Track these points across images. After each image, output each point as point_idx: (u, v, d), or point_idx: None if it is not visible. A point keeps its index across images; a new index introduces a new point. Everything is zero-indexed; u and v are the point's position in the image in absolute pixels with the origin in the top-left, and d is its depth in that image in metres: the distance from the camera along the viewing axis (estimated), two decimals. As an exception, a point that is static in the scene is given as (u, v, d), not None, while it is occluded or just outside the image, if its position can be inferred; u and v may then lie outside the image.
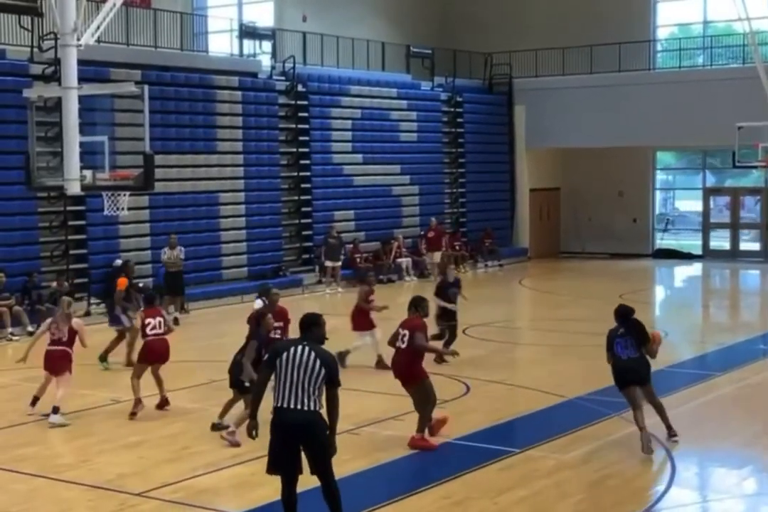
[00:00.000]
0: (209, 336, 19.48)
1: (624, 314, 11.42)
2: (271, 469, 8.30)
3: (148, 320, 13.05)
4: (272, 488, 9.83)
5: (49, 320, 13.14)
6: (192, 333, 19.71)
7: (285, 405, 8.07)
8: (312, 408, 8.06)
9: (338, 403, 8.20)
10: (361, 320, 15.49)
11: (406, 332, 11.36)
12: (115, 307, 16.30)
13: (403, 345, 11.33)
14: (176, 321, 19.96)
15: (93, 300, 21.02)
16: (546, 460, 10.82)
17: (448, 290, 16.41)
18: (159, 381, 13.10)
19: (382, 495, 10.04)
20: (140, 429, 12.25)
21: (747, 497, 10.16)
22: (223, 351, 16.72)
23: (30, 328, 19.01)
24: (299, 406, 8.04)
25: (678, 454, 11.06)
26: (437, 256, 27.72)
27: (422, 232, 28.87)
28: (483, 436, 11.76)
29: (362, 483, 9.99)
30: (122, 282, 16.48)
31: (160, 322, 13.12)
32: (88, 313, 20.59)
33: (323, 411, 8.16)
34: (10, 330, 18.77)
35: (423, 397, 11.25)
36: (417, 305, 11.75)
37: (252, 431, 8.32)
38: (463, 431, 11.90)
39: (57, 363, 12.71)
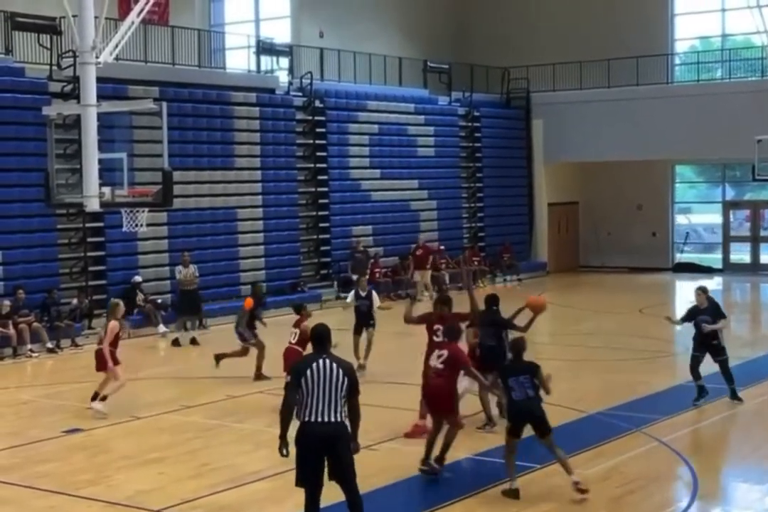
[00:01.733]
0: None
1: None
2: (300, 482, 8.36)
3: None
4: (293, 503, 9.81)
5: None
6: (210, 349, 19.67)
7: (314, 419, 8.15)
8: (340, 419, 8.20)
9: (360, 411, 8.36)
10: None
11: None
12: (241, 323, 16.22)
13: (438, 339, 11.95)
14: (194, 341, 19.98)
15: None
16: (567, 475, 10.73)
17: (698, 317, 13.92)
18: None
19: (403, 510, 10.00)
20: (160, 445, 12.25)
21: (770, 513, 10.09)
22: (241, 367, 16.75)
23: (49, 345, 19.07)
24: (327, 419, 8.15)
25: (700, 469, 10.96)
26: (426, 275, 26.69)
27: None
28: (503, 452, 11.67)
29: (382, 499, 9.93)
30: (249, 302, 16.50)
31: (294, 333, 14.05)
32: (107, 330, 20.59)
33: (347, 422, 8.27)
34: (29, 346, 18.81)
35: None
36: (444, 303, 12.56)
37: (283, 450, 8.29)
38: (483, 447, 11.83)
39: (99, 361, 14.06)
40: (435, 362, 10.75)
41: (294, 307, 14.93)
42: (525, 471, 10.83)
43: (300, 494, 8.49)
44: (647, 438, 12.22)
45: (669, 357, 18.36)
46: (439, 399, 10.73)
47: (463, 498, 10.01)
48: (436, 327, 12.31)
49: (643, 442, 12.07)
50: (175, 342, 19.88)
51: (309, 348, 13.34)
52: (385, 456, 11.34)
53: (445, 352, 10.73)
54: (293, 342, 13.92)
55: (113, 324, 13.94)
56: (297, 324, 14.15)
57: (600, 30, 32.35)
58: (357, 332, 16.46)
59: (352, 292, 17.05)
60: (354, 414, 8.32)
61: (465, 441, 12.12)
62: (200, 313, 21.22)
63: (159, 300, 21.62)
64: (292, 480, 10.21)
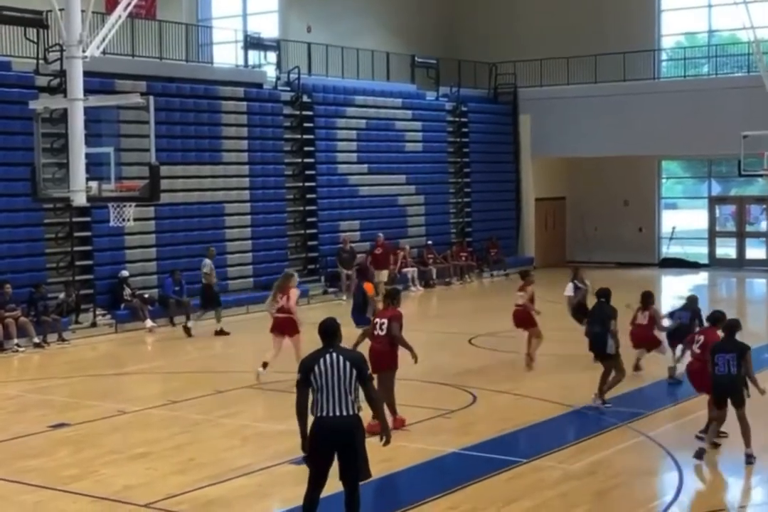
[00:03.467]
0: (214, 346, 19.47)
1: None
2: (311, 476, 8.38)
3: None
4: (279, 498, 9.85)
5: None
6: (197, 343, 19.71)
7: (326, 414, 8.21)
8: (352, 412, 8.26)
9: (377, 394, 8.50)
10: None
11: (385, 321, 12.19)
12: (366, 309, 16.15)
13: (382, 333, 12.16)
14: (222, 331, 20.17)
15: (99, 311, 20.99)
16: (553, 470, 10.78)
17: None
18: None
19: (389, 505, 10.02)
20: (146, 440, 12.24)
21: (754, 507, 10.12)
22: (229, 362, 16.77)
23: (36, 340, 19.02)
24: (340, 412, 8.20)
25: (685, 464, 11.02)
26: (384, 275, 25.77)
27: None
28: (489, 446, 11.73)
29: (368, 493, 9.90)
30: (370, 287, 16.65)
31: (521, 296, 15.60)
32: (94, 324, 20.59)
33: (361, 414, 8.34)
34: (15, 341, 18.74)
35: (391, 386, 12.24)
36: (393, 297, 12.64)
37: (306, 448, 8.34)
38: (470, 441, 11.88)
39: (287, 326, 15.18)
40: (694, 346, 11.95)
41: (521, 273, 17.05)
42: (511, 465, 10.89)
43: (286, 489, 8.53)
44: (633, 432, 12.28)
45: (655, 353, 18.40)
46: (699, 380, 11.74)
47: (449, 492, 10.03)
48: (376, 320, 12.45)
49: (630, 437, 12.12)
50: (188, 331, 20.05)
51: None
52: (372, 451, 11.31)
53: (702, 338, 11.89)
54: (519, 304, 16.04)
55: (296, 291, 15.45)
56: (522, 289, 16.18)
57: (587, 26, 32.40)
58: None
59: (571, 285, 17.50)
60: (370, 399, 8.39)
61: (451, 436, 12.18)
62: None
63: (146, 295, 21.58)
64: (278, 475, 10.26)
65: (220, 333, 20.17)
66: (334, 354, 8.29)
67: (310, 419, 8.33)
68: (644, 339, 15.37)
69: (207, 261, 20.84)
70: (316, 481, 8.36)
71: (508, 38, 33.34)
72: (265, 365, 15.03)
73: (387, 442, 8.58)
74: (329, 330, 8.48)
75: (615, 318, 13.59)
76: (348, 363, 8.26)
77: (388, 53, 29.82)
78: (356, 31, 30.64)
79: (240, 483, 10.45)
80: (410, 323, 16.13)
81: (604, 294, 13.98)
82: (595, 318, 13.79)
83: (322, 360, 8.26)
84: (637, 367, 15.52)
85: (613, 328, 13.48)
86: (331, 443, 8.24)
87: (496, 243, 31.16)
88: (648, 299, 15.29)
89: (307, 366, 8.30)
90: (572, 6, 33.01)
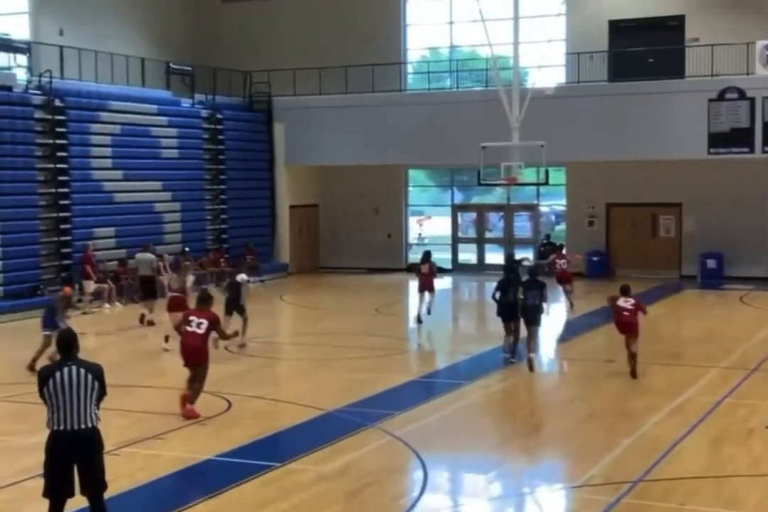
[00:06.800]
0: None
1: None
2: (49, 492, 8.34)
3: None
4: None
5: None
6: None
7: (65, 428, 8.17)
8: (92, 424, 8.26)
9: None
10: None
11: (203, 321, 13.60)
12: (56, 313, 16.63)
13: (200, 331, 13.56)
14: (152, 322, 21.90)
15: None
16: (305, 473, 11.15)
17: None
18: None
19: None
20: None
21: (494, 500, 10.74)
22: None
23: None
24: (78, 426, 8.18)
25: (430, 461, 11.68)
26: (89, 286, 24.87)
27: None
28: (244, 452, 12.00)
29: (124, 503, 9.99)
30: (68, 290, 17.87)
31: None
32: None
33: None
34: None
35: (204, 375, 13.72)
36: (206, 300, 14.08)
37: None
38: (225, 447, 12.10)
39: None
40: (625, 304, 15.79)
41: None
42: (265, 469, 11.21)
43: (37, 504, 8.48)
44: (382, 433, 12.82)
45: (404, 355, 19.34)
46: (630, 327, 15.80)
47: (205, 499, 10.23)
48: (192, 318, 13.77)
49: (379, 437, 12.66)
50: (150, 322, 21.96)
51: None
52: (127, 461, 11.39)
53: (631, 299, 15.83)
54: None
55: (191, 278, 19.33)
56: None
57: (339, 37, 33.29)
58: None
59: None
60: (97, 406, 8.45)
61: (206, 442, 12.42)
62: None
63: None
64: (28, 490, 10.09)
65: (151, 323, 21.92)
66: (74, 367, 8.23)
67: (47, 432, 8.33)
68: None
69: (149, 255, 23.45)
70: (59, 496, 8.30)
71: (264, 47, 33.79)
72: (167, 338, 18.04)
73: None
74: (66, 342, 8.41)
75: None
76: (89, 376, 8.24)
77: (143, 59, 29.65)
78: (110, 35, 30.26)
79: (-12, 500, 10.23)
80: (169, 330, 16.35)
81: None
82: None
83: (58, 374, 8.19)
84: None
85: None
86: (69, 456, 8.19)
87: (253, 249, 31.51)
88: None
89: (43, 378, 8.24)
90: (325, 17, 33.83)
